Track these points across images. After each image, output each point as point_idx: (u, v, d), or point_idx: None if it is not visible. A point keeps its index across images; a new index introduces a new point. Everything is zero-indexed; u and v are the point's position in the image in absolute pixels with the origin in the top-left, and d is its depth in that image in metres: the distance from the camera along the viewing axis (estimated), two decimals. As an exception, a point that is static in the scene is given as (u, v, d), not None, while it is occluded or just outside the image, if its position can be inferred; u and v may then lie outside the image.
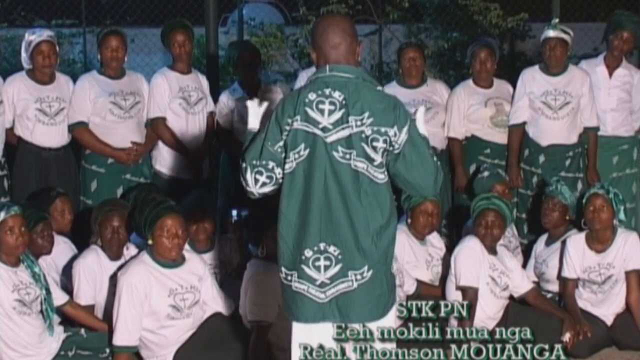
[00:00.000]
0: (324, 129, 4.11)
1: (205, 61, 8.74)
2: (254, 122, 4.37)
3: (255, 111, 4.39)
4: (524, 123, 7.27)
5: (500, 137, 7.32)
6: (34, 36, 6.84)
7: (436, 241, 6.66)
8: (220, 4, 8.75)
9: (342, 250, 4.12)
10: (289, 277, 4.20)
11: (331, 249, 4.13)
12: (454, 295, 6.11)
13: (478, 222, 6.15)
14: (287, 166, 4.16)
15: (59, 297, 5.73)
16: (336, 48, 4.20)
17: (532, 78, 7.26)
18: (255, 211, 6.07)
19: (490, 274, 6.10)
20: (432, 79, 7.88)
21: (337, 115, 4.11)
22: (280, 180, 4.20)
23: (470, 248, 6.11)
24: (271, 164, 4.19)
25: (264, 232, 5.76)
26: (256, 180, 4.22)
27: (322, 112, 4.12)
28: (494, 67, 7.32)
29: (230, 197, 7.14)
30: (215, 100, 7.39)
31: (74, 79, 7.12)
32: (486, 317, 6.07)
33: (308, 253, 4.14)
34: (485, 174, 6.92)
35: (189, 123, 7.11)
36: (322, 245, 4.13)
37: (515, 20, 11.18)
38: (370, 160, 4.11)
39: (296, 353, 4.26)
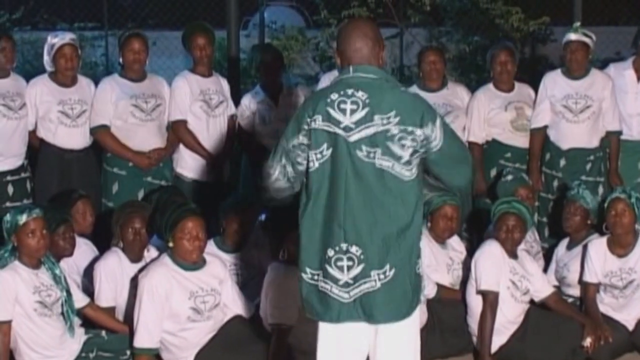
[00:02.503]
0: (345, 128, 4.13)
1: (227, 64, 8.76)
2: None
3: None
4: (546, 127, 7.25)
5: (521, 141, 7.31)
6: (56, 39, 6.87)
7: (457, 245, 6.65)
8: (241, 7, 8.75)
9: (364, 250, 4.12)
10: (315, 277, 4.21)
11: (353, 249, 4.13)
12: (474, 300, 6.10)
13: (499, 226, 6.14)
14: (310, 165, 4.17)
15: (80, 299, 5.75)
16: (359, 52, 4.22)
17: (554, 81, 7.24)
18: (276, 214, 6.08)
19: (510, 278, 6.08)
20: (453, 82, 7.87)
21: (361, 114, 4.12)
22: (292, 179, 4.23)
23: (490, 252, 6.09)
24: (283, 160, 4.22)
25: (285, 235, 5.77)
26: (269, 175, 4.27)
27: (343, 111, 4.13)
28: (514, 69, 7.31)
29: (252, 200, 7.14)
30: (237, 103, 7.41)
31: (96, 81, 7.14)
32: (507, 321, 6.06)
33: (330, 252, 4.15)
34: (509, 177, 6.91)
35: (210, 126, 7.12)
36: (344, 246, 4.13)
37: (536, 24, 11.17)
38: (397, 158, 4.11)
39: (323, 353, 4.26)
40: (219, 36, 7.75)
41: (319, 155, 4.16)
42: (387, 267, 4.13)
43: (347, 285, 4.16)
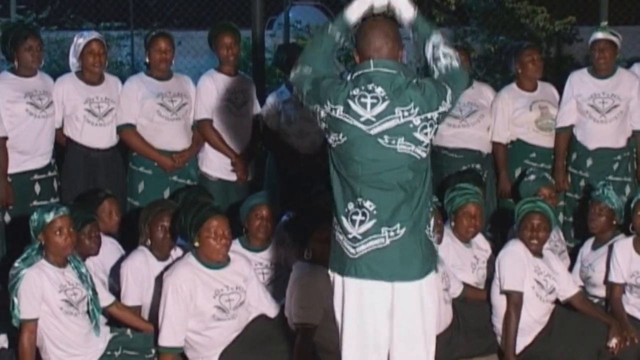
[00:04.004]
0: (366, 122, 4.21)
1: (252, 63, 8.77)
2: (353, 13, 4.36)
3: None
4: (572, 126, 7.23)
5: (545, 140, 7.29)
6: (82, 39, 6.89)
7: (482, 243, 6.64)
8: (266, 7, 8.77)
9: (377, 205, 4.22)
10: (335, 227, 4.32)
11: (367, 203, 4.23)
12: (498, 299, 6.09)
13: (523, 226, 6.12)
14: (330, 140, 4.28)
15: (105, 298, 5.77)
16: (379, 51, 4.28)
17: (580, 81, 7.22)
18: (301, 214, 6.09)
19: (535, 278, 6.07)
20: (478, 81, 7.86)
21: (381, 107, 4.19)
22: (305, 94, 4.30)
23: (514, 252, 6.08)
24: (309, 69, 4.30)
25: (310, 234, 5.77)
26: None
27: (364, 105, 4.20)
28: (540, 68, 7.29)
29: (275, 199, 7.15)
30: (261, 102, 7.42)
31: (122, 81, 7.17)
32: (532, 321, 6.05)
33: (350, 206, 4.26)
34: (532, 177, 6.90)
35: (235, 125, 7.14)
36: (359, 200, 4.24)
37: (562, 24, 11.12)
38: (418, 142, 4.22)
39: (341, 306, 4.32)
40: (244, 36, 7.76)
41: (336, 138, 4.25)
42: (398, 225, 4.23)
43: (354, 240, 4.25)
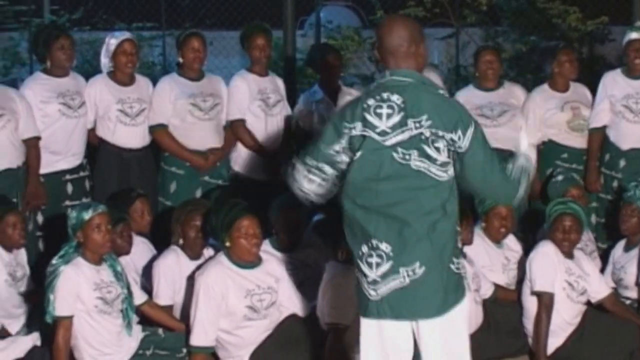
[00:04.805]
0: (382, 133, 4.17)
1: (283, 64, 8.79)
2: None
3: None
4: (605, 127, 7.20)
5: (577, 141, 7.27)
6: (114, 39, 6.93)
7: (513, 244, 6.62)
8: (297, 7, 8.78)
9: (393, 247, 4.15)
10: (356, 270, 4.27)
11: (383, 245, 4.17)
12: (529, 300, 6.07)
13: (555, 227, 6.10)
14: (349, 167, 4.23)
15: (138, 297, 5.79)
16: (393, 53, 4.25)
17: (614, 81, 7.20)
18: (332, 214, 6.08)
19: (566, 279, 6.05)
20: (509, 82, 7.85)
21: (396, 118, 4.15)
22: (334, 180, 4.26)
23: (544, 253, 6.06)
24: (325, 167, 4.27)
25: (342, 235, 5.77)
26: (310, 180, 4.30)
27: (380, 116, 4.17)
28: (575, 69, 7.27)
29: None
30: (292, 102, 7.43)
31: (154, 81, 7.20)
32: (563, 323, 6.03)
33: (364, 249, 4.21)
34: (560, 177, 6.88)
35: (267, 125, 7.16)
36: (374, 242, 4.18)
37: (594, 24, 11.07)
38: (433, 160, 4.14)
39: (364, 348, 4.29)
40: (275, 36, 7.78)
41: (354, 157, 4.21)
42: (417, 264, 4.15)
43: (374, 282, 4.20)
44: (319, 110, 7.28)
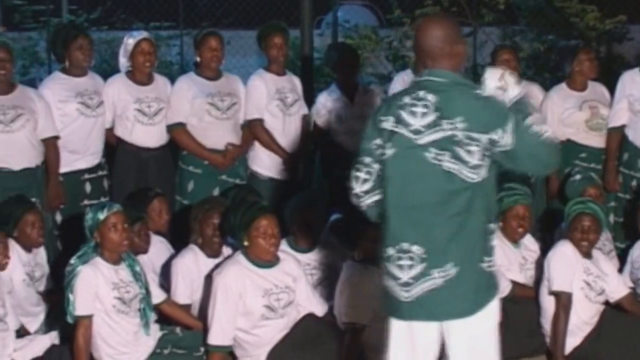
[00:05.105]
0: (415, 131, 4.14)
1: (300, 63, 8.79)
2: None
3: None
4: (623, 126, 7.18)
5: (596, 140, 7.25)
6: (132, 39, 6.95)
7: (531, 244, 6.61)
8: (315, 6, 8.79)
9: (426, 249, 4.13)
10: (383, 271, 4.25)
11: (414, 248, 4.15)
12: (547, 300, 6.06)
13: (573, 227, 6.09)
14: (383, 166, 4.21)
15: (157, 295, 5.80)
16: (429, 54, 4.23)
17: (632, 80, 7.18)
18: (350, 213, 6.08)
19: (584, 279, 6.03)
20: (527, 81, 7.82)
21: (430, 117, 4.13)
22: (379, 172, 4.23)
23: (563, 252, 6.05)
24: (367, 159, 4.25)
25: (359, 234, 5.78)
26: (356, 178, 4.28)
27: (414, 114, 4.15)
28: (594, 68, 7.26)
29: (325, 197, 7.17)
30: (309, 101, 7.44)
31: (171, 80, 7.21)
32: (581, 322, 6.01)
33: (391, 251, 4.19)
34: (577, 177, 6.86)
35: (285, 124, 7.16)
36: (404, 245, 4.16)
37: (612, 23, 11.03)
38: (464, 162, 4.10)
39: (393, 349, 4.28)
40: (292, 35, 7.79)
41: (383, 156, 4.20)
42: (449, 265, 4.13)
43: (406, 284, 4.17)
44: (337, 109, 7.28)
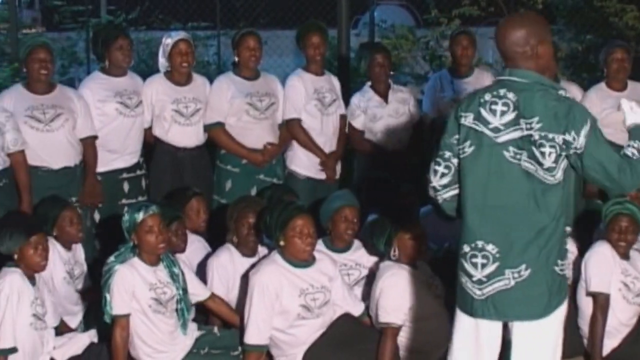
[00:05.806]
0: (494, 129, 4.16)
1: (337, 63, 8.80)
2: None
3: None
4: (662, 126, 7.12)
5: (635, 141, 7.19)
6: (169, 39, 6.97)
7: (569, 245, 6.54)
8: (352, 6, 8.80)
9: (500, 248, 4.14)
10: (458, 267, 4.27)
11: (489, 247, 4.16)
12: (584, 301, 6.04)
13: (611, 228, 6.06)
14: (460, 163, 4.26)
15: (201, 293, 5.82)
16: (510, 53, 4.23)
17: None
18: (386, 213, 6.08)
19: (622, 280, 6.01)
20: (565, 81, 7.79)
21: (510, 116, 4.14)
22: (457, 167, 4.25)
23: (600, 253, 6.03)
24: (447, 154, 4.27)
25: (395, 234, 5.78)
26: (435, 172, 4.31)
27: (494, 112, 4.16)
28: (630, 67, 7.21)
29: (361, 197, 7.17)
30: (346, 101, 7.44)
31: (209, 80, 7.24)
32: (619, 324, 5.98)
33: (466, 248, 4.21)
34: (616, 177, 6.80)
35: (323, 124, 7.18)
36: (479, 243, 4.18)
37: (652, 22, 10.94)
38: (539, 163, 4.11)
39: (457, 342, 4.30)
40: (329, 35, 7.79)
41: (462, 152, 4.22)
42: (523, 267, 4.14)
43: (480, 282, 4.19)
44: (371, 108, 7.29)
